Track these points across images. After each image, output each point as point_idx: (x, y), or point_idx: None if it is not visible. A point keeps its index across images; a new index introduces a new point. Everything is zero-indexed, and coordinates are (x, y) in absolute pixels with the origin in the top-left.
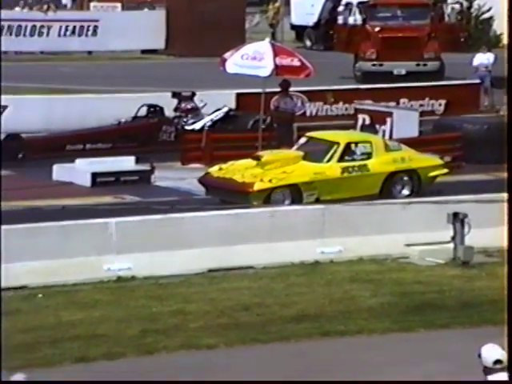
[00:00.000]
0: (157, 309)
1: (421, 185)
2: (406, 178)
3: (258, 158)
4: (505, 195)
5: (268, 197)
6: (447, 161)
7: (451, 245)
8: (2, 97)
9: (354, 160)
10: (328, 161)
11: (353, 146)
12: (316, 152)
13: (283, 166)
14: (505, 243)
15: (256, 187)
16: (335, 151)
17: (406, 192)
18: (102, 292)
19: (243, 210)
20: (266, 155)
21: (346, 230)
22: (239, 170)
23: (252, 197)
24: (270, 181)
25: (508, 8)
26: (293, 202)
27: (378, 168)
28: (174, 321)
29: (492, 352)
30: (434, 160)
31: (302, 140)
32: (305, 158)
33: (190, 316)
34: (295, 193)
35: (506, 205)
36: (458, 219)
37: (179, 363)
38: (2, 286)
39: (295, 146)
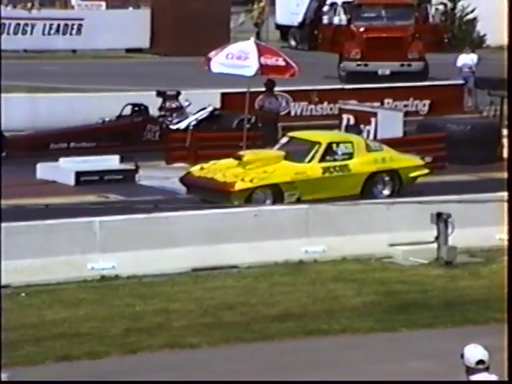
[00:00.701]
0: (140, 308)
1: (402, 185)
2: (386, 178)
3: (239, 158)
4: (505, 194)
5: (249, 196)
6: (428, 161)
7: (435, 245)
8: None
9: (335, 160)
10: (309, 161)
11: (334, 146)
12: (297, 152)
13: (264, 165)
14: (505, 243)
15: (237, 187)
16: (316, 151)
17: (386, 192)
18: (86, 291)
19: (227, 209)
20: (248, 155)
21: (329, 230)
22: (220, 169)
23: (233, 196)
24: (251, 180)
25: (508, 8)
26: (274, 202)
27: (359, 168)
28: (157, 320)
29: (474, 352)
30: (415, 160)
31: (284, 140)
32: (286, 157)
33: (173, 315)
34: (276, 193)
35: (505, 204)
36: (441, 219)
37: (163, 362)
38: None
39: (277, 146)
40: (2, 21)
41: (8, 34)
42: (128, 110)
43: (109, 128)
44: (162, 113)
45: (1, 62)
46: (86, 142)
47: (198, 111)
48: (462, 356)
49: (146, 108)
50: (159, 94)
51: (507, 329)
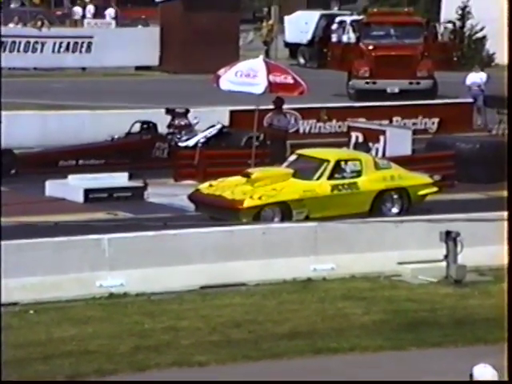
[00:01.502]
0: (149, 325)
1: (410, 203)
2: (395, 196)
3: (247, 175)
4: (505, 214)
5: (258, 214)
6: (437, 179)
7: (444, 263)
8: None
9: (343, 178)
10: (318, 178)
11: (342, 163)
12: (306, 169)
13: (273, 183)
14: (505, 261)
15: (246, 204)
16: (325, 169)
17: (395, 210)
18: (95, 308)
19: (236, 226)
20: (256, 172)
21: (338, 248)
22: (229, 186)
23: (242, 214)
24: (260, 198)
25: (508, 23)
26: (282, 220)
27: (367, 186)
28: (166, 337)
29: (484, 372)
30: (424, 178)
31: (292, 157)
32: (295, 175)
33: (182, 333)
34: (285, 210)
35: (506, 223)
36: (450, 238)
37: (171, 380)
38: None
39: (285, 164)
40: (13, 39)
41: (18, 51)
42: (137, 128)
43: (117, 145)
44: (171, 130)
45: (0, 80)
46: (94, 160)
47: (207, 129)
48: (471, 376)
49: (155, 125)
50: (168, 111)
51: (507, 329)
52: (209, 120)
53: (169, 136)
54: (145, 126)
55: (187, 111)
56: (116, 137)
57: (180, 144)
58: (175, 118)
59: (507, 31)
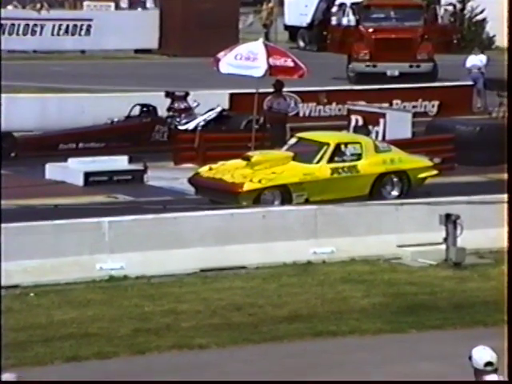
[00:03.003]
0: (149, 308)
1: (410, 186)
2: (395, 179)
3: (247, 159)
4: (505, 196)
5: (257, 197)
6: (437, 162)
7: (443, 246)
8: None
9: (343, 161)
10: (318, 162)
11: (342, 146)
12: (306, 153)
13: (273, 166)
14: (505, 244)
15: (245, 187)
16: (325, 152)
17: (395, 193)
18: (95, 291)
19: (236, 210)
20: (256, 156)
21: (338, 231)
22: (229, 170)
23: (241, 197)
24: (260, 181)
25: (508, 8)
26: (282, 203)
27: (367, 169)
28: (166, 320)
29: (483, 354)
30: (424, 161)
31: (292, 140)
32: (294, 158)
33: (182, 316)
34: (285, 193)
35: (506, 206)
36: (450, 220)
37: (171, 363)
38: None
39: (285, 147)
40: (12, 22)
41: (17, 34)
42: (136, 111)
43: (117, 128)
44: (171, 113)
45: (0, 63)
46: (94, 143)
47: (207, 112)
48: (470, 358)
49: (155, 108)
50: (168, 94)
51: (507, 329)
52: (208, 103)
53: (168, 119)
54: (144, 109)
55: (187, 94)
56: (116, 120)
57: (180, 127)
58: (175, 102)
59: (507, 15)
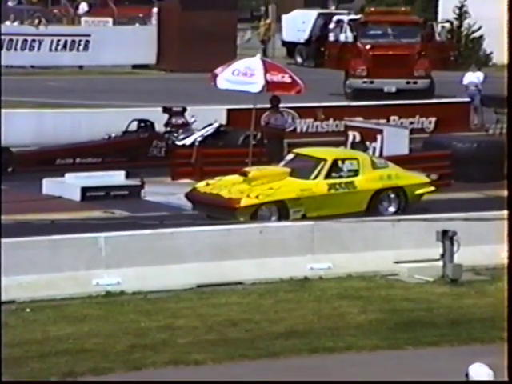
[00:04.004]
0: (145, 324)
1: (407, 202)
2: (392, 196)
3: (244, 174)
4: (505, 212)
5: (255, 213)
6: (434, 179)
7: (440, 262)
8: None
9: (340, 177)
10: (315, 177)
11: (340, 162)
12: (303, 168)
13: (270, 182)
14: (505, 261)
15: (243, 203)
16: (322, 168)
17: (392, 209)
18: (91, 307)
19: (233, 225)
20: (253, 171)
21: (335, 247)
22: (226, 185)
23: (238, 213)
24: (257, 197)
25: (508, 10)
26: (279, 219)
27: (364, 185)
28: (162, 336)
29: (479, 371)
30: (421, 178)
31: (289, 156)
32: (292, 174)
33: (178, 331)
34: (282, 209)
35: (506, 222)
36: (447, 237)
37: (167, 379)
38: None
39: (282, 163)
40: (10, 37)
41: (15, 49)
42: (134, 126)
43: (115, 144)
44: (168, 129)
45: (0, 78)
46: (91, 158)
47: (204, 127)
48: (467, 375)
49: (152, 124)
50: (165, 110)
51: (507, 329)
52: (206, 119)
53: (166, 135)
54: (142, 124)
55: (184, 110)
56: (113, 135)
57: (177, 143)
58: (172, 117)
59: (507, 31)
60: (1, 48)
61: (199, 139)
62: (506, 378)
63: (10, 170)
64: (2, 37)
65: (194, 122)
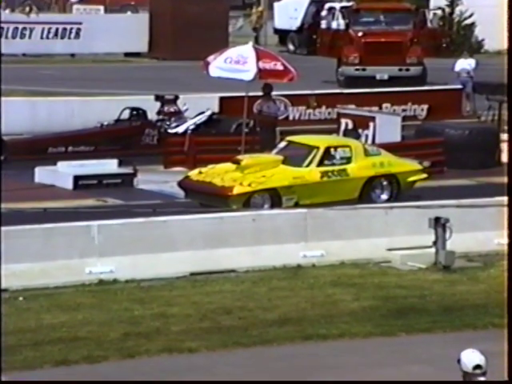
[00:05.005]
0: (139, 312)
1: (400, 189)
2: (385, 183)
3: (237, 162)
4: (505, 199)
5: (247, 201)
6: (426, 166)
7: (433, 249)
8: None
9: (333, 164)
10: (307, 165)
11: (332, 150)
12: (295, 156)
13: (263, 170)
14: (505, 248)
15: (235, 191)
16: (314, 155)
17: (384, 197)
18: (84, 295)
19: (226, 213)
20: (246, 159)
21: (328, 234)
22: (219, 173)
23: (231, 200)
24: (250, 185)
25: (508, 8)
26: (272, 206)
27: (357, 172)
28: (155, 324)
29: (472, 357)
30: (413, 165)
31: (282, 144)
32: (284, 162)
33: (172, 319)
34: (274, 197)
35: (506, 209)
36: (439, 224)
37: (161, 367)
38: None
39: (275, 150)
40: (1, 25)
41: (6, 38)
42: (126, 114)
43: (107, 132)
44: (161, 117)
45: (0, 67)
46: (84, 146)
47: (197, 115)
48: (459, 361)
49: (145, 112)
50: (157, 98)
51: (507, 329)
52: (198, 107)
53: (158, 123)
54: (134, 112)
55: (176, 98)
56: (105, 123)
57: (169, 131)
58: (164, 105)
59: (507, 19)
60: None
61: (191, 127)
62: (505, 377)
63: (2, 158)
64: None
65: (187, 110)
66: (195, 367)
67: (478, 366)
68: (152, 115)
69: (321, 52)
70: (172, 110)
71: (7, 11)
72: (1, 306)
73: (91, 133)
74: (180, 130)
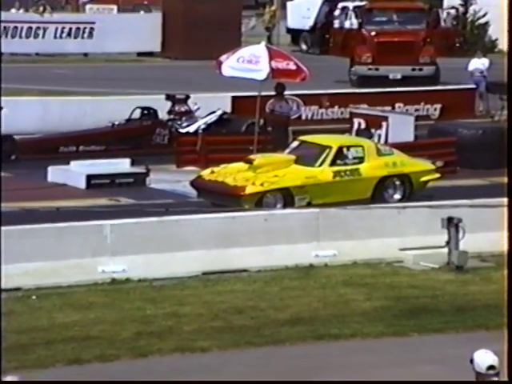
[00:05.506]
0: (151, 311)
1: (412, 189)
2: (397, 183)
3: (250, 162)
4: (505, 200)
5: (260, 200)
6: (439, 166)
7: (445, 249)
8: None
9: (345, 164)
10: (320, 165)
11: (345, 150)
12: (308, 156)
13: (275, 169)
14: (505, 248)
15: (248, 190)
16: (327, 155)
17: (397, 196)
18: (97, 294)
19: (238, 213)
20: (258, 159)
21: (340, 234)
22: (231, 173)
23: (243, 200)
24: (262, 184)
25: (508, 10)
26: (284, 206)
27: (369, 172)
28: (168, 323)
29: (485, 358)
30: (426, 165)
31: (294, 144)
32: (297, 161)
33: (184, 319)
34: (287, 196)
35: (506, 209)
36: (452, 224)
37: (173, 366)
38: None
39: (287, 150)
40: (15, 25)
41: (20, 37)
42: (137, 114)
43: (118, 131)
44: (171, 116)
45: (1, 66)
46: (95, 146)
47: (207, 115)
48: (472, 361)
49: (155, 111)
50: (168, 97)
51: (507, 328)
52: (211, 106)
53: (169, 122)
54: (145, 112)
55: (187, 97)
56: (116, 123)
57: (180, 130)
58: (175, 104)
59: (507, 20)
60: None
61: (202, 127)
62: (505, 377)
63: (13, 157)
64: (7, 24)
65: (198, 109)
66: (207, 367)
67: (491, 367)
68: (163, 115)
69: (333, 51)
70: (183, 109)
71: (21, 11)
72: (1, 306)
73: (102, 132)
74: (191, 129)
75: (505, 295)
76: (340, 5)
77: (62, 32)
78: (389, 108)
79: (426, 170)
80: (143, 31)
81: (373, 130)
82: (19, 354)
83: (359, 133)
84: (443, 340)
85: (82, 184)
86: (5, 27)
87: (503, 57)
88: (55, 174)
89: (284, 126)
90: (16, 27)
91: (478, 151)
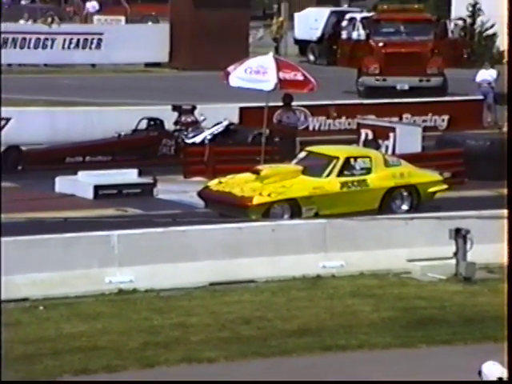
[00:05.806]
0: (158, 322)
1: (420, 200)
2: (405, 194)
3: (257, 172)
4: (505, 211)
5: (267, 211)
6: (447, 177)
7: (453, 260)
8: (6, 109)
9: (353, 175)
10: (327, 175)
11: (352, 160)
12: (315, 166)
13: (282, 180)
14: (505, 260)
15: (255, 201)
16: (334, 166)
17: (405, 207)
18: (104, 304)
19: (245, 223)
20: (266, 169)
21: (347, 245)
22: (238, 183)
23: (251, 211)
24: (269, 195)
25: (508, 16)
26: (292, 217)
27: (377, 183)
28: (175, 334)
29: (493, 369)
30: (434, 176)
31: (302, 154)
32: (304, 172)
33: (191, 329)
34: (294, 207)
35: (506, 221)
36: (460, 235)
37: (180, 376)
38: (3, 297)
39: (294, 161)
40: (23, 35)
41: (28, 48)
42: (144, 124)
43: (124, 142)
44: (178, 127)
45: (0, 76)
46: (101, 156)
47: (214, 125)
48: (480, 373)
49: (162, 122)
50: (175, 108)
51: (507, 328)
52: (218, 117)
53: (175, 133)
54: (152, 122)
55: (194, 108)
56: (123, 133)
57: (187, 141)
58: (182, 115)
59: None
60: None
61: (209, 137)
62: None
63: (19, 168)
64: (16, 35)
65: (204, 120)
66: (214, 377)
67: (500, 379)
68: (169, 125)
69: (341, 62)
70: (189, 120)
71: (29, 22)
72: (1, 316)
73: (108, 143)
74: (197, 140)
75: (505, 308)
76: (347, 16)
77: (70, 43)
78: (396, 119)
79: (433, 181)
80: (151, 42)
81: (380, 141)
82: (26, 364)
83: (367, 143)
84: (451, 351)
85: (90, 194)
86: (13, 38)
87: None
88: (63, 184)
89: (291, 136)
90: (24, 38)
91: (485, 162)
